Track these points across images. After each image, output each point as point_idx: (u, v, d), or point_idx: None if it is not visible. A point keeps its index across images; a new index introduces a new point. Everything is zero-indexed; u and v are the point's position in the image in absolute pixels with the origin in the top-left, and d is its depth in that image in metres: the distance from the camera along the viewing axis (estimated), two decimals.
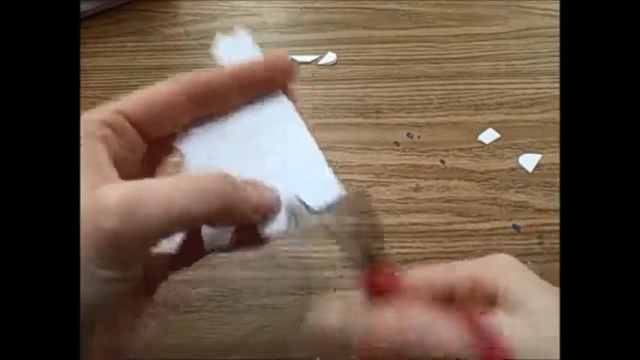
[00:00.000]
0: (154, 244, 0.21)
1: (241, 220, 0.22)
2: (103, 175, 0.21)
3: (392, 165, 0.44)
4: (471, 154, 0.44)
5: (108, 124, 0.22)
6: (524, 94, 0.48)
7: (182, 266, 0.27)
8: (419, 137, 0.46)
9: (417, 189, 0.42)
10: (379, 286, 0.24)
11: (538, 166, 0.44)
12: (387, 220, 0.41)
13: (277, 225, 0.24)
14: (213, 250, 0.25)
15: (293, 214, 0.25)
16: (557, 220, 0.40)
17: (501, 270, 0.23)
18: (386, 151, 0.45)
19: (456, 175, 0.43)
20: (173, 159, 0.28)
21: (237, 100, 0.26)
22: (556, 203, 0.41)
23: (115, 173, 0.22)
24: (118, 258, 0.20)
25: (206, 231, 0.25)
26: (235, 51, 0.27)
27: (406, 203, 0.42)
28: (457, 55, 0.52)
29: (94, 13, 0.55)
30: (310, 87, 0.50)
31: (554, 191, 0.42)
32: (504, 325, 0.21)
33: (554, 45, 0.52)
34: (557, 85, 0.49)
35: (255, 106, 0.27)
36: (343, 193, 0.25)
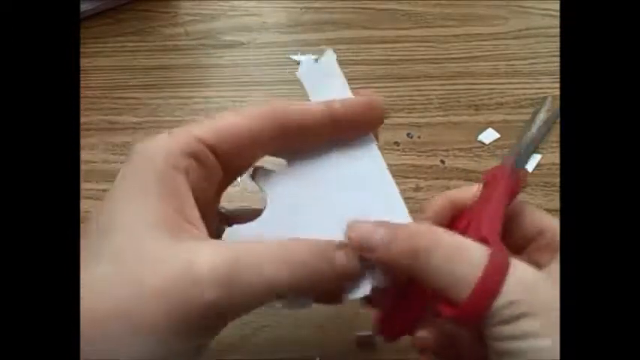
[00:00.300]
0: (246, 314, 0.20)
1: (327, 288, 0.22)
2: (185, 216, 0.20)
3: (392, 165, 0.43)
4: (471, 154, 0.44)
5: (191, 155, 0.21)
6: (524, 94, 0.48)
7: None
8: (419, 137, 0.46)
9: (417, 189, 0.42)
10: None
11: (538, 166, 0.44)
12: None
13: (359, 290, 0.23)
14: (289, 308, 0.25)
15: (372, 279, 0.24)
16: (557, 220, 0.40)
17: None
18: (386, 151, 0.45)
19: (456, 175, 0.43)
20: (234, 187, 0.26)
21: (326, 138, 0.25)
22: (556, 203, 0.41)
23: (197, 214, 0.21)
24: (207, 329, 0.19)
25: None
26: (320, 76, 0.26)
27: (406, 203, 0.42)
28: (457, 55, 0.52)
29: (94, 13, 0.55)
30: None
31: (554, 191, 0.42)
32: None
33: (554, 45, 0.52)
34: (557, 85, 0.49)
35: (343, 148, 0.25)
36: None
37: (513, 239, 0.26)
